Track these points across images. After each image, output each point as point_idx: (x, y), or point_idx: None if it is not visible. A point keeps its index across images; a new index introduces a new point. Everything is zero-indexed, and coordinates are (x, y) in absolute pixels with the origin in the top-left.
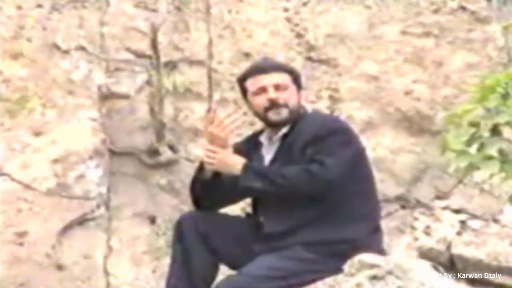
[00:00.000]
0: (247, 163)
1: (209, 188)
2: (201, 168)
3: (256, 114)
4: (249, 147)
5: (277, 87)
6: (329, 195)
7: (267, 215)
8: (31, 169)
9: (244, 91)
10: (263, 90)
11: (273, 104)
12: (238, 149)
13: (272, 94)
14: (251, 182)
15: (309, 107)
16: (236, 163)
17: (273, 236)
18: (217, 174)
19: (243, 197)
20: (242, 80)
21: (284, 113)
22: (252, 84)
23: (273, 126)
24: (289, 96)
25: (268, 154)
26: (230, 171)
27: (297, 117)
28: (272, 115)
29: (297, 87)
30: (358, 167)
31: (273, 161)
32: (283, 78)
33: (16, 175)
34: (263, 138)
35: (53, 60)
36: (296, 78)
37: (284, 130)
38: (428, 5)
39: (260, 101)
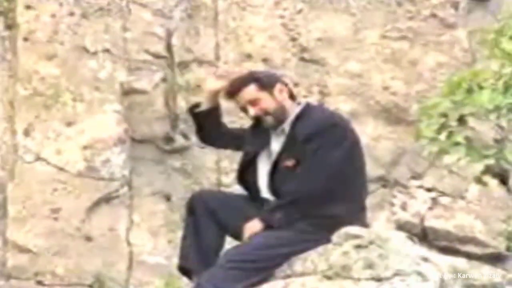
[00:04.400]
0: (259, 220)
1: (207, 119)
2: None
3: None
4: (258, 131)
5: (252, 103)
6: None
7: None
8: (64, 154)
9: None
10: (243, 109)
11: (258, 118)
12: (250, 131)
13: (251, 111)
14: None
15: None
16: (254, 227)
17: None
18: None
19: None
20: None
21: (269, 119)
22: (236, 103)
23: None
24: (265, 105)
25: (276, 144)
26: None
27: (299, 109)
28: (264, 124)
29: (267, 91)
30: (351, 159)
31: (281, 153)
32: (251, 93)
33: (51, 159)
34: (271, 129)
35: (82, 61)
36: (261, 84)
37: (289, 122)
38: (404, 12)
39: (250, 117)
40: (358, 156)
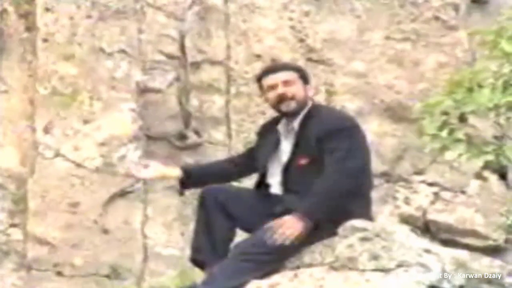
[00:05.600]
0: (299, 215)
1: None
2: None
3: (272, 106)
4: (268, 133)
5: (285, 83)
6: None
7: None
8: (82, 151)
9: (261, 89)
10: (274, 87)
11: (283, 98)
12: (260, 132)
13: (280, 89)
14: (316, 216)
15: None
16: (297, 223)
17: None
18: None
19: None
20: (258, 80)
21: (293, 104)
22: (265, 82)
23: (286, 116)
24: (296, 90)
25: (286, 144)
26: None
27: (309, 109)
28: (283, 107)
29: (303, 82)
30: (368, 158)
31: (293, 153)
32: (290, 75)
33: (69, 155)
34: (280, 127)
35: (99, 61)
36: (302, 75)
37: (298, 120)
38: (407, 15)
39: (272, 96)
40: (368, 152)
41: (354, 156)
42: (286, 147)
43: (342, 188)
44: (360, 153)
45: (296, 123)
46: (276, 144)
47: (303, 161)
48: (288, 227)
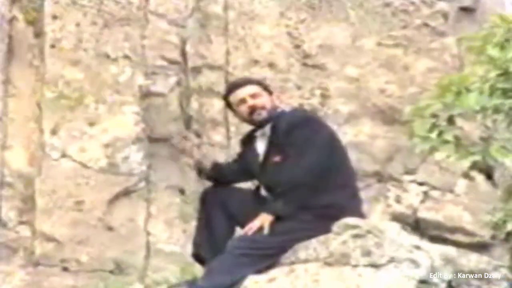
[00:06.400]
0: (266, 213)
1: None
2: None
3: (243, 120)
4: (247, 140)
5: (252, 96)
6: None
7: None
8: (87, 152)
9: (229, 105)
10: (243, 100)
11: (254, 109)
12: (243, 141)
13: (250, 101)
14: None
15: (287, 107)
16: (264, 219)
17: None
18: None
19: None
20: (225, 97)
21: (264, 113)
22: (233, 98)
23: (260, 124)
24: (265, 101)
25: (261, 146)
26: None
27: (276, 115)
28: (255, 116)
29: (268, 93)
30: (333, 146)
31: (268, 152)
32: (255, 89)
33: (75, 156)
34: (257, 133)
35: (104, 66)
36: (264, 87)
37: (269, 126)
38: (398, 22)
39: (244, 109)
40: (338, 145)
41: (309, 152)
42: (260, 150)
43: (298, 182)
44: (316, 149)
45: (267, 128)
46: (255, 150)
47: (276, 159)
48: (261, 222)
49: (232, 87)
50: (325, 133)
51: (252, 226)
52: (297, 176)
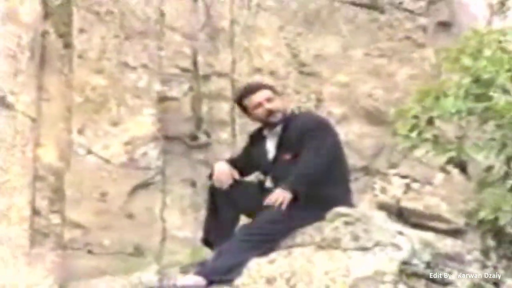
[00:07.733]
0: (282, 189)
1: None
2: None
3: (259, 120)
4: (255, 138)
5: (268, 100)
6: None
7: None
8: (110, 149)
9: (243, 108)
10: (260, 104)
11: (271, 112)
12: (251, 137)
13: (267, 105)
14: (298, 187)
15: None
16: (282, 195)
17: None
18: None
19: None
20: (239, 100)
21: (279, 115)
22: (249, 102)
23: (274, 125)
24: (278, 104)
25: (271, 144)
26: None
27: (288, 116)
28: (272, 119)
29: (278, 95)
30: (339, 148)
31: (278, 150)
32: (269, 93)
33: (100, 153)
34: (265, 132)
35: (125, 74)
36: (274, 90)
37: (280, 125)
38: (384, 35)
39: (262, 111)
40: (342, 146)
41: (325, 146)
42: (270, 147)
43: (316, 165)
44: (330, 144)
45: (279, 128)
46: (264, 146)
47: (287, 157)
48: (276, 198)
49: (247, 91)
50: (335, 134)
51: (271, 197)
52: (309, 171)
